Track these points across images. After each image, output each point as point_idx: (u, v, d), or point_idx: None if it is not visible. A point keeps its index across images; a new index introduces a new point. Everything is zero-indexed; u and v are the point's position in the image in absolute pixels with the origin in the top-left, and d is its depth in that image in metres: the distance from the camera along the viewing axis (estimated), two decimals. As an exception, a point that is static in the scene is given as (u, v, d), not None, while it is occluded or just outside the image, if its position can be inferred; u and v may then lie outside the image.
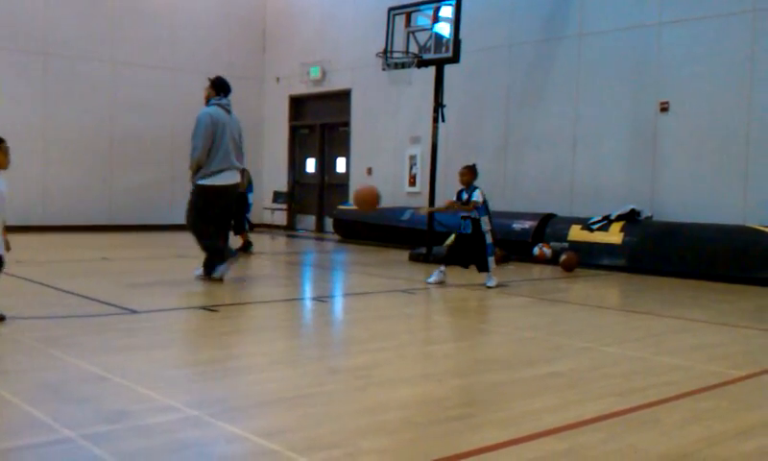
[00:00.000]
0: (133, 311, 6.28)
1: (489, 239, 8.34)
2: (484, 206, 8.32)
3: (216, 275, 8.04)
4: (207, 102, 8.18)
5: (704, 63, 10.34)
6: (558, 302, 7.70)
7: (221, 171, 7.92)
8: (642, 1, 10.99)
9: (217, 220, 8.12)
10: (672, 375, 4.49)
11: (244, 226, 11.77)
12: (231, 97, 8.35)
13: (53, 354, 4.61)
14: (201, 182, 7.96)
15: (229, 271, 8.15)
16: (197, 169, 7.96)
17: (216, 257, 8.04)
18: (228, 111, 8.15)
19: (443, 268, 8.55)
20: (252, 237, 11.81)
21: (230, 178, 8.04)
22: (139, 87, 15.98)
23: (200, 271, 8.15)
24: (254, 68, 18.02)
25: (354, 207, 8.18)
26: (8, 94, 14.52)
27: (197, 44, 16.96)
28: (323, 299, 7.76)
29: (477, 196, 8.25)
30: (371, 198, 8.46)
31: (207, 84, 8.32)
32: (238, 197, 11.46)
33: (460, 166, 8.69)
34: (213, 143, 7.87)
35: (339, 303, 7.67)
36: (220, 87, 8.18)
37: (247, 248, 11.56)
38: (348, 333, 6.07)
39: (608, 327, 6.33)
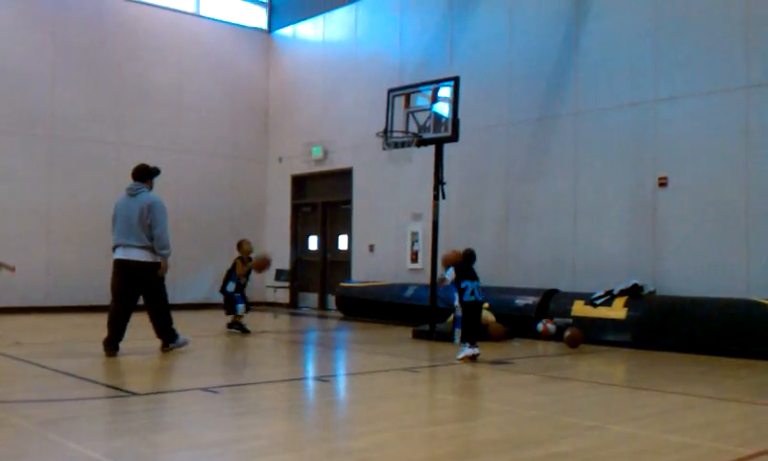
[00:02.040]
0: (133, 393, 6.22)
1: (458, 312, 9.09)
2: (453, 284, 8.97)
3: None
4: None
5: (700, 139, 10.49)
6: (563, 379, 7.61)
7: (115, 247, 8.68)
8: (637, 79, 11.22)
9: (124, 297, 8.68)
10: (680, 454, 4.41)
11: (231, 305, 11.51)
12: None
13: (52, 439, 4.54)
14: None
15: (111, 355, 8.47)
16: None
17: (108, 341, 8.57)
18: (133, 194, 8.74)
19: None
20: (256, 316, 11.73)
21: (120, 253, 8.62)
22: (144, 168, 16.19)
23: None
24: (258, 149, 18.30)
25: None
26: (13, 175, 14.73)
27: (201, 126, 17.27)
28: (325, 378, 7.68)
29: (449, 274, 8.96)
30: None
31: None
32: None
33: (461, 242, 9.04)
34: (113, 224, 8.81)
35: (341, 383, 7.58)
36: (132, 174, 8.92)
37: (231, 325, 11.50)
38: (350, 414, 5.99)
39: (614, 405, 6.25)
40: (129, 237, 8.53)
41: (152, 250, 8.58)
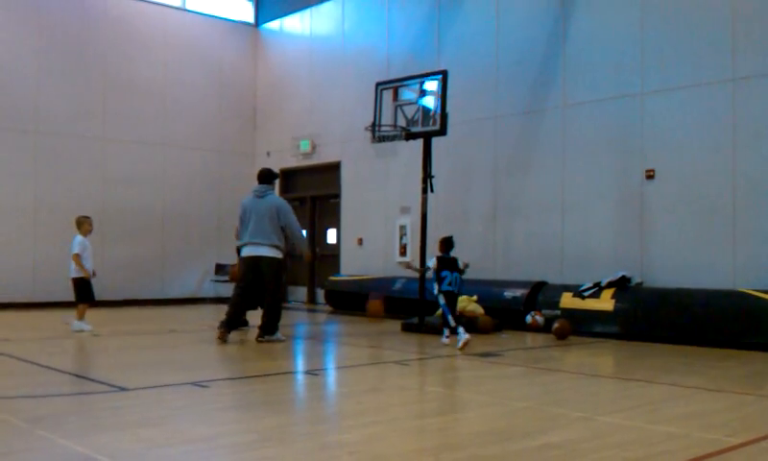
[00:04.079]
0: (122, 388, 6.20)
1: (441, 301, 9.19)
2: (434, 273, 9.24)
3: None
4: None
5: (687, 131, 10.54)
6: (552, 370, 7.65)
7: (244, 246, 9.43)
8: (624, 72, 11.25)
9: (247, 290, 9.44)
10: (668, 444, 4.44)
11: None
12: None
13: (40, 435, 4.52)
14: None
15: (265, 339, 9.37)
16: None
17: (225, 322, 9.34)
18: (260, 196, 9.47)
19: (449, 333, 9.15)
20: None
21: (249, 251, 9.36)
22: (130, 163, 16.12)
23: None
24: (246, 143, 18.23)
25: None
26: (-1, 171, 14.62)
27: (188, 120, 17.18)
28: (314, 372, 7.68)
29: (431, 263, 9.37)
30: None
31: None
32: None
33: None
34: (241, 224, 9.53)
35: (331, 377, 7.59)
36: (257, 177, 9.78)
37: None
38: (339, 407, 6.00)
39: (602, 396, 6.28)
40: (259, 236, 9.26)
41: (279, 248, 9.29)
